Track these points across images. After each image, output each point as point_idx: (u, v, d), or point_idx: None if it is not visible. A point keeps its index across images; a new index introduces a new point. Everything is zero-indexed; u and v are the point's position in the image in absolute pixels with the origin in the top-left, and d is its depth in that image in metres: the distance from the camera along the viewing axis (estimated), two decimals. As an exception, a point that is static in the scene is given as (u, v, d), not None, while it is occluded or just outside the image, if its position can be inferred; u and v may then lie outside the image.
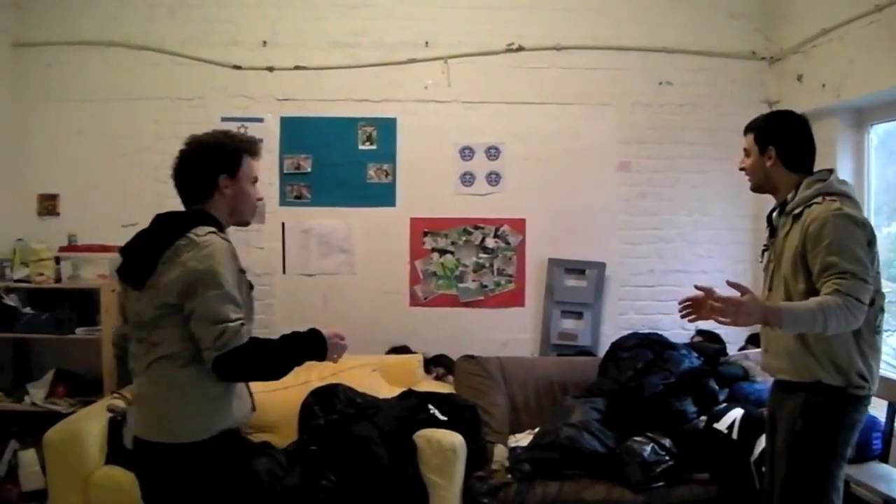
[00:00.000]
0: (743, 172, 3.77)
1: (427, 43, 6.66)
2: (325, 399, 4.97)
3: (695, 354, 5.27)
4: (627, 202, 6.63)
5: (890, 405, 4.64)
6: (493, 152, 6.74)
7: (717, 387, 5.10)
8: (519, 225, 6.70)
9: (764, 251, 3.75)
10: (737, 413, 4.72)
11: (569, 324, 6.65)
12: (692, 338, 5.88)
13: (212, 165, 3.09)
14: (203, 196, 3.10)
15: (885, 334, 3.59)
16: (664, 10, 6.70)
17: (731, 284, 3.30)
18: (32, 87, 6.61)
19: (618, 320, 6.60)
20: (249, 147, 3.19)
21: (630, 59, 6.71)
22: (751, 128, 3.73)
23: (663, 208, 6.67)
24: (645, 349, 5.31)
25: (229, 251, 2.97)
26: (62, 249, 6.28)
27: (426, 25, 6.68)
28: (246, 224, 3.30)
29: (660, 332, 5.78)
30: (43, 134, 6.58)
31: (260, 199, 3.27)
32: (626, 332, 5.90)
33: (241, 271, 3.05)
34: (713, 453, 4.64)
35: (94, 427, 4.73)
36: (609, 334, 6.37)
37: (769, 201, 3.73)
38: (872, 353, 3.39)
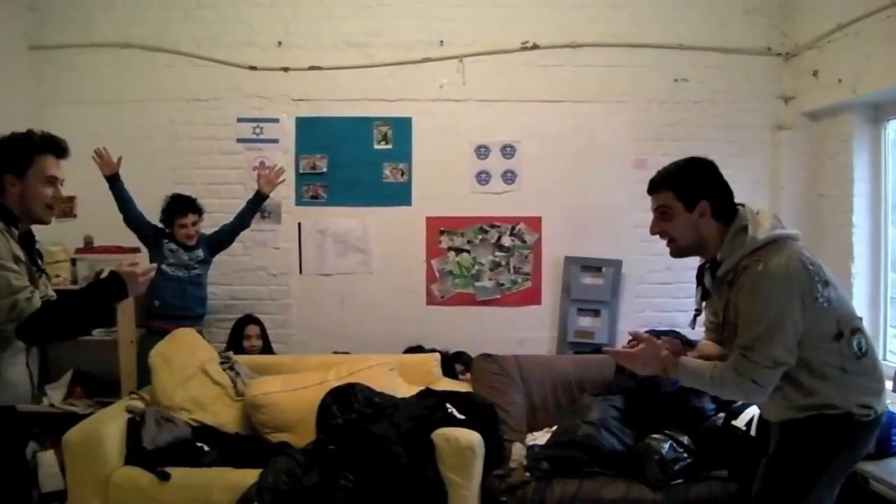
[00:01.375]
0: (660, 237, 3.41)
1: (442, 42, 6.68)
2: (343, 399, 4.96)
3: (713, 351, 5.24)
4: (643, 199, 6.42)
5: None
6: (508, 151, 6.74)
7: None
8: (535, 223, 6.70)
9: (695, 316, 3.54)
10: (755, 410, 4.68)
11: (586, 322, 6.65)
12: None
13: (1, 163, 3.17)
14: None
15: (874, 349, 3.30)
16: (679, 7, 6.69)
17: (632, 335, 3.38)
18: (49, 89, 6.66)
19: (634, 318, 6.59)
20: (46, 147, 3.26)
21: (645, 56, 6.70)
22: (666, 184, 3.32)
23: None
24: (663, 347, 5.30)
25: (3, 236, 3.06)
26: (78, 251, 6.31)
27: (441, 24, 6.69)
28: (42, 223, 3.34)
29: (677, 329, 5.75)
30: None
31: (57, 199, 3.32)
32: (643, 330, 5.85)
33: (24, 259, 3.15)
34: (731, 451, 4.61)
35: (113, 428, 4.73)
36: (626, 332, 6.33)
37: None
38: (869, 379, 3.19)
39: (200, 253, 6.04)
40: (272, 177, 6.14)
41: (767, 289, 3.02)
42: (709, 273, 3.33)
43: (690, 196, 3.23)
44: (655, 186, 3.36)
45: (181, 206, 5.96)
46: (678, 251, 3.37)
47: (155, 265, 3.53)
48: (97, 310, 3.19)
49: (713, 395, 3.25)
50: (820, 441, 3.18)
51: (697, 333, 3.79)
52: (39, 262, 3.32)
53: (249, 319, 6.29)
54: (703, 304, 3.46)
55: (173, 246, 5.93)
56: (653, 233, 3.41)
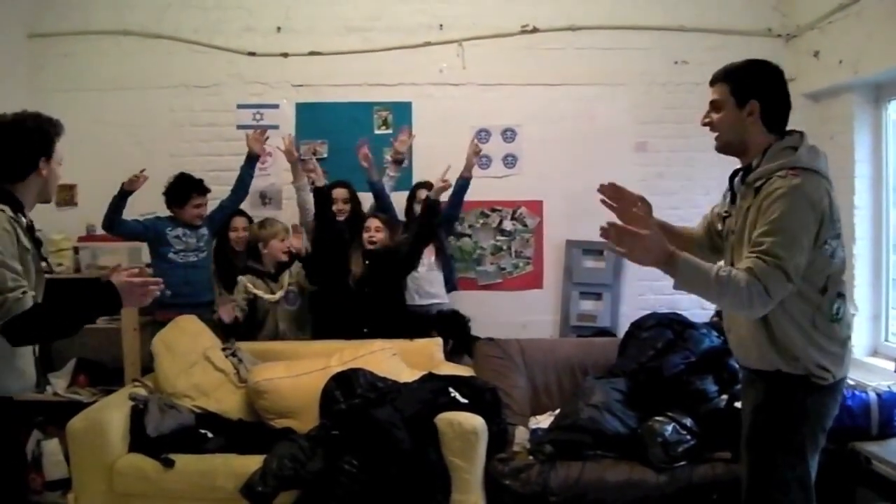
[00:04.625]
0: (709, 129, 3.34)
1: (441, 26, 6.68)
2: (346, 384, 4.97)
3: (715, 333, 5.22)
4: (645, 182, 6.50)
5: (911, 381, 4.63)
6: (509, 134, 6.74)
7: (737, 365, 5.08)
8: (536, 207, 6.70)
9: (724, 218, 3.42)
10: (758, 392, 4.71)
11: (588, 305, 6.66)
12: (712, 317, 5.86)
13: (33, 148, 3.18)
14: (18, 177, 3.18)
15: (850, 319, 3.30)
16: (679, -12, 6.67)
17: (608, 187, 3.31)
18: (49, 77, 6.68)
19: (637, 301, 6.59)
20: (60, 130, 3.28)
21: (645, 39, 6.71)
22: (724, 77, 3.28)
23: (681, 188, 6.64)
24: (665, 329, 5.30)
25: (10, 225, 3.04)
26: (81, 239, 6.33)
27: (440, 8, 6.70)
28: (48, 202, 3.41)
29: (679, 312, 5.75)
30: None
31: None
32: (645, 313, 5.84)
33: (30, 248, 3.14)
34: (735, 432, 4.60)
35: (117, 415, 4.73)
36: (628, 315, 6.36)
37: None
38: (831, 342, 3.16)
39: (205, 231, 6.08)
40: (257, 135, 6.17)
41: (799, 202, 2.99)
42: (740, 177, 3.29)
43: (743, 93, 3.20)
44: (715, 79, 3.32)
45: (196, 187, 6.01)
46: (721, 146, 3.32)
47: (157, 280, 3.33)
48: (86, 320, 3.16)
49: (765, 324, 3.12)
50: (784, 406, 3.20)
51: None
52: (41, 250, 3.31)
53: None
54: (731, 208, 3.37)
55: (179, 231, 5.94)
56: (703, 123, 3.36)
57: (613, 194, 3.36)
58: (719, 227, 3.49)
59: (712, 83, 3.34)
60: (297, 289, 5.96)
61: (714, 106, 3.31)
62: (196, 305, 5.88)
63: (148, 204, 5.95)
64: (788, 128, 3.25)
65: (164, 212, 6.02)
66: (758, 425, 3.31)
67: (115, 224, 5.77)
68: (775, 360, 3.18)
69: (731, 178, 3.37)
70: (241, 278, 5.90)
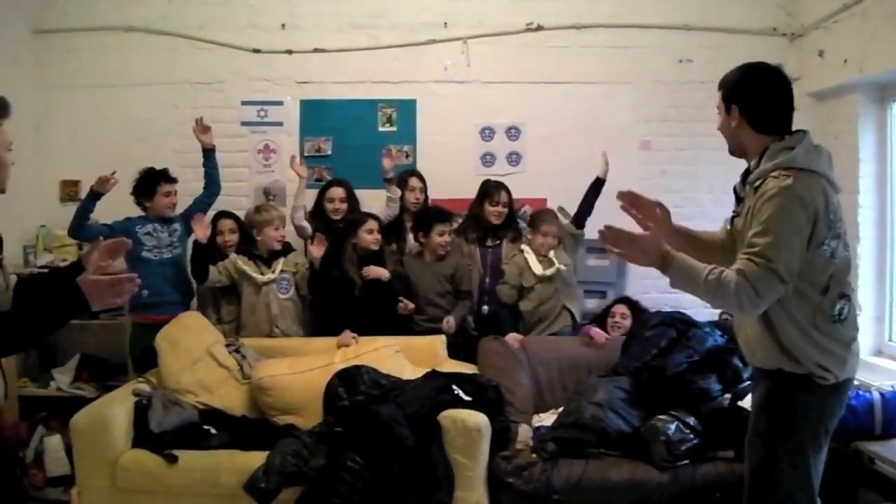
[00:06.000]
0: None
1: (446, 24, 6.68)
2: (350, 381, 4.99)
3: (718, 332, 5.22)
4: (649, 181, 6.52)
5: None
6: (513, 132, 6.75)
7: (741, 364, 5.04)
8: (540, 205, 6.66)
9: (733, 218, 3.46)
10: (762, 391, 4.71)
11: (592, 303, 6.65)
12: (721, 315, 5.86)
13: None
14: None
15: (855, 320, 3.31)
16: (684, -13, 6.67)
17: (626, 195, 3.40)
18: (53, 73, 6.69)
19: (641, 299, 6.53)
20: (3, 111, 2.92)
21: (650, 37, 6.70)
22: (720, 85, 3.40)
23: (685, 186, 6.63)
24: (668, 328, 5.29)
25: None
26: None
27: (445, 5, 6.70)
28: (1, 192, 3.03)
29: (683, 311, 5.75)
30: (64, 120, 6.64)
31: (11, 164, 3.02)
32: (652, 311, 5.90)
33: None
34: (738, 431, 4.59)
35: (120, 411, 4.76)
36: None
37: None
38: (833, 343, 3.17)
39: (178, 226, 5.97)
40: (198, 128, 6.09)
41: (789, 203, 3.02)
42: (741, 178, 3.35)
43: (728, 99, 3.31)
44: (718, 85, 3.41)
45: (162, 175, 5.92)
46: (729, 150, 3.41)
47: (132, 276, 2.79)
48: (54, 327, 2.80)
49: (767, 323, 3.15)
50: (785, 405, 3.23)
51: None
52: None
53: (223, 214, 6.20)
54: (739, 209, 3.41)
55: (150, 227, 5.82)
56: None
57: (632, 201, 3.43)
58: (728, 227, 3.53)
59: (718, 89, 3.43)
60: (290, 278, 5.93)
61: (717, 112, 3.41)
62: (174, 304, 5.86)
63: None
64: (795, 127, 3.26)
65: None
66: (760, 423, 3.34)
67: (80, 230, 5.69)
68: (778, 359, 3.20)
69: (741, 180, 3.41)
70: (232, 255, 5.89)
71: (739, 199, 3.37)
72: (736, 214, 3.40)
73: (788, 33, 6.58)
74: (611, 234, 3.14)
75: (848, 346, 3.23)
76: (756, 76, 3.31)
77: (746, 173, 3.32)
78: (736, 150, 3.37)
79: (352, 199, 6.25)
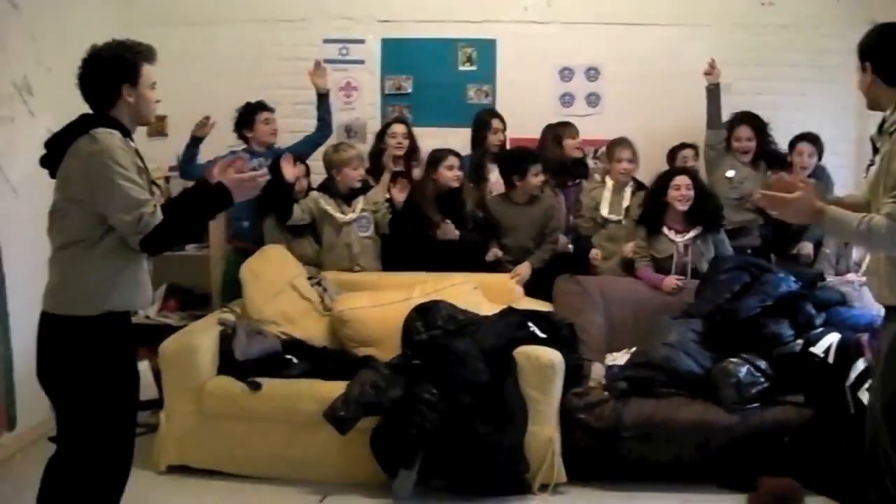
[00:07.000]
0: None
1: (528, -37, 6.66)
2: (427, 315, 5.06)
3: (792, 278, 5.23)
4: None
5: None
6: (592, 73, 6.78)
7: (814, 311, 5.07)
8: (617, 146, 6.69)
9: (869, 166, 3.53)
10: (833, 337, 4.71)
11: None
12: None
13: (114, 76, 3.28)
14: (107, 103, 3.29)
15: None
16: (769, -72, 6.57)
17: (776, 181, 3.44)
18: (137, 10, 6.75)
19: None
20: (147, 55, 3.38)
21: (732, -22, 6.62)
22: (859, 43, 3.48)
23: None
24: (742, 272, 5.28)
25: (126, 146, 3.22)
26: (171, 169, 6.48)
27: (527, -54, 6.65)
28: (147, 124, 3.62)
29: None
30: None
31: (157, 101, 3.46)
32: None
33: (142, 169, 3.31)
34: (808, 377, 4.64)
35: (206, 340, 4.92)
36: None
37: (869, 127, 3.65)
38: None
39: None
40: (316, 71, 6.26)
41: None
42: (878, 126, 3.43)
43: (863, 57, 3.41)
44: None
45: (260, 104, 6.16)
46: (867, 106, 3.54)
47: (261, 171, 3.74)
48: (204, 220, 3.58)
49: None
50: None
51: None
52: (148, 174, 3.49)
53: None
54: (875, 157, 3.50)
55: (255, 162, 5.80)
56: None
57: (785, 187, 3.45)
58: (864, 176, 3.62)
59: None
60: (370, 216, 5.99)
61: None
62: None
63: (234, 136, 6.14)
64: None
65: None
66: (890, 364, 3.34)
67: (190, 172, 5.95)
68: None
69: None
70: (312, 193, 5.99)
71: (876, 150, 3.45)
72: (872, 163, 3.48)
73: (874, -24, 6.46)
74: (767, 199, 3.38)
75: None
76: (886, 34, 3.39)
77: (882, 123, 3.40)
78: (872, 105, 3.46)
79: (411, 137, 6.34)
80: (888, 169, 3.19)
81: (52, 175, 3.29)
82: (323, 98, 6.27)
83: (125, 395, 3.44)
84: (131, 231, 3.13)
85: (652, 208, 5.83)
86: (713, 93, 6.12)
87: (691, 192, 5.70)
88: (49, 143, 3.31)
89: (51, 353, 3.30)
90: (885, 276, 3.35)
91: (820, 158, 6.00)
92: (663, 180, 5.83)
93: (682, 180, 5.74)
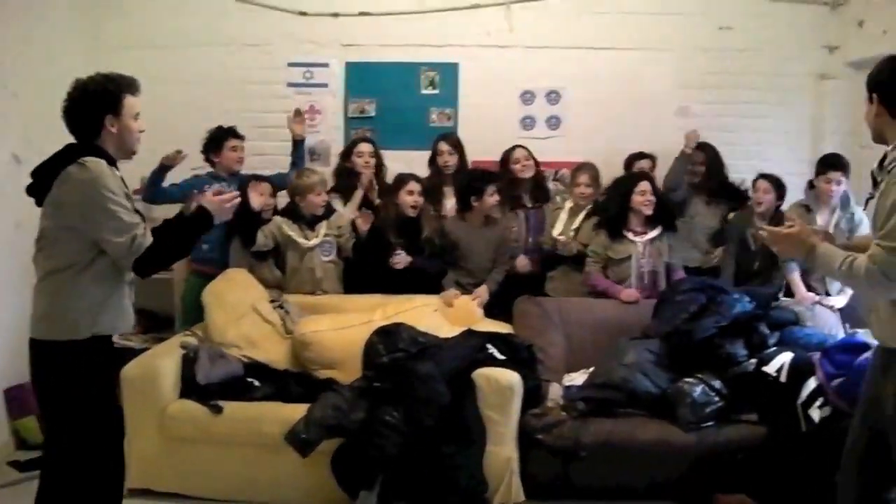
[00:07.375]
0: None
1: (490, -12, 6.73)
2: (389, 338, 5.09)
3: (747, 299, 5.30)
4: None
5: None
6: (553, 97, 6.84)
7: (767, 331, 5.16)
8: (577, 169, 6.75)
9: (868, 200, 3.48)
10: (786, 357, 4.79)
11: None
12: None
13: (97, 107, 3.40)
14: (92, 134, 3.41)
15: None
16: (726, -46, 6.68)
17: (787, 217, 3.45)
18: (104, 34, 6.77)
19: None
20: (130, 87, 3.49)
21: (690, 4, 6.74)
22: (868, 74, 3.40)
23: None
24: (699, 293, 5.36)
25: (113, 174, 3.35)
26: (136, 192, 6.39)
27: (489, -30, 6.72)
28: (131, 154, 3.62)
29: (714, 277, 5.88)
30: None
31: (141, 132, 3.57)
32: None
33: (128, 195, 3.43)
34: (762, 396, 4.73)
35: (169, 363, 4.94)
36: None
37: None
38: None
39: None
40: (296, 119, 6.39)
41: None
42: (878, 162, 3.38)
43: (869, 88, 3.34)
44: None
45: (230, 131, 6.15)
46: (872, 138, 3.46)
47: (237, 192, 3.88)
48: (191, 241, 3.62)
49: None
50: None
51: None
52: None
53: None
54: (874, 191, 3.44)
55: (217, 186, 5.84)
56: None
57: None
58: (864, 209, 3.69)
59: None
60: (333, 241, 6.01)
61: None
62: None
63: (200, 160, 6.13)
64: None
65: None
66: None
67: (154, 196, 5.93)
68: None
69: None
70: (276, 218, 5.99)
71: (876, 183, 3.40)
72: (871, 196, 3.44)
73: (829, 2, 6.57)
74: (768, 234, 3.51)
75: None
76: (893, 66, 3.34)
77: (883, 158, 3.35)
78: (877, 137, 3.38)
79: (378, 157, 6.39)
80: (881, 205, 3.16)
81: (39, 203, 3.37)
82: (299, 144, 6.38)
83: (113, 416, 3.58)
84: (125, 253, 3.25)
85: (616, 213, 5.92)
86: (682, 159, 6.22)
87: (654, 197, 5.84)
88: (36, 173, 3.39)
89: (42, 379, 3.40)
90: (886, 318, 3.28)
91: (781, 198, 6.03)
92: (627, 186, 5.95)
93: (645, 186, 5.87)
